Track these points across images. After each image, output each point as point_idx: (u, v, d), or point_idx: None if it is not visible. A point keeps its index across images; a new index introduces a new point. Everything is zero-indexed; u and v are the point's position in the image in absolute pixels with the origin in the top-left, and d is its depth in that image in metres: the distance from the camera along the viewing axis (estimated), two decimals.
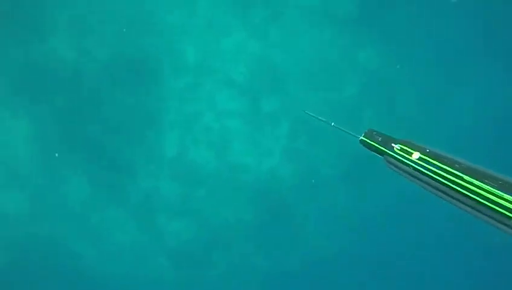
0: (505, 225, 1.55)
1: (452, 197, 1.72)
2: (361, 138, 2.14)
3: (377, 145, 2.05)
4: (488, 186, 1.59)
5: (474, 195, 1.61)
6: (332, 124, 2.45)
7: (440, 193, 1.77)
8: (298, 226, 7.64)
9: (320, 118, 2.67)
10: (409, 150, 1.90)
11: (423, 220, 7.37)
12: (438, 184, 1.75)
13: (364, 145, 2.15)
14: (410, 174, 1.87)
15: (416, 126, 7.54)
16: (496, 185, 1.58)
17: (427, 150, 1.87)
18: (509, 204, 1.52)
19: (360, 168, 7.55)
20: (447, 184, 1.72)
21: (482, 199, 1.59)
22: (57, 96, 7.68)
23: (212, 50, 7.88)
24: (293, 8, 8.04)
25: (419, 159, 1.85)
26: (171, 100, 7.86)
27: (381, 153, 2.04)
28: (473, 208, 1.64)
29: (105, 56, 7.77)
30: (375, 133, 2.12)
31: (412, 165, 1.86)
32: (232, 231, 7.61)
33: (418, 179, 1.84)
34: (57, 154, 7.65)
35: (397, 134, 2.14)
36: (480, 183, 1.61)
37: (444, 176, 1.74)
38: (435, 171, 1.76)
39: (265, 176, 7.78)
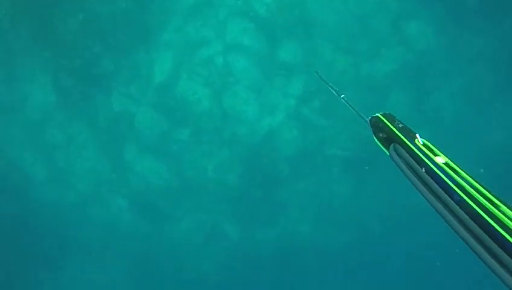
0: None
1: (464, 223, 1.18)
2: (378, 114, 1.65)
3: (393, 128, 1.54)
4: None
5: (505, 231, 1.07)
6: (343, 96, 2.03)
7: (446, 212, 1.24)
8: (279, 206, 6.43)
9: (330, 85, 2.17)
10: (435, 150, 1.42)
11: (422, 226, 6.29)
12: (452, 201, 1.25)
13: (374, 127, 1.64)
14: (420, 177, 1.38)
15: (447, 133, 6.24)
16: None
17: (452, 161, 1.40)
18: None
19: (369, 160, 6.30)
20: (471, 207, 1.18)
21: None
22: None
23: None
24: None
25: (446, 164, 1.35)
26: (175, 16, 6.20)
27: (393, 140, 1.53)
28: (488, 248, 1.10)
29: None
30: (396, 118, 1.62)
31: (430, 167, 1.36)
32: (207, 189, 6.33)
33: (428, 186, 1.33)
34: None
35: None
36: None
37: (472, 195, 1.21)
38: (462, 187, 1.24)
39: (261, 135, 6.41)
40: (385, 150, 1.59)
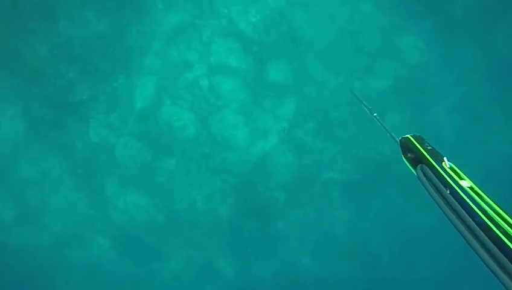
0: None
1: (484, 245, 1.23)
2: (408, 136, 1.75)
3: (423, 150, 1.65)
4: None
5: None
6: (375, 114, 2.10)
7: (467, 232, 1.30)
8: (276, 237, 5.88)
9: (365, 103, 2.23)
10: (461, 174, 1.50)
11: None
12: (475, 225, 1.29)
13: (404, 147, 1.73)
14: (444, 197, 1.45)
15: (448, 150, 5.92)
16: None
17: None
18: None
19: (368, 183, 5.88)
20: (492, 230, 1.22)
21: None
22: None
23: None
24: None
25: (470, 188, 1.42)
26: (157, 38, 5.77)
27: (421, 161, 1.62)
28: (505, 269, 1.15)
29: None
30: (426, 141, 1.72)
31: (455, 189, 1.44)
32: (197, 222, 5.75)
33: (451, 206, 1.41)
34: None
35: None
36: None
37: (493, 219, 1.26)
38: (484, 210, 1.31)
39: (252, 161, 5.92)
40: (412, 170, 1.66)
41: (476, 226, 1.27)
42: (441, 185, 1.46)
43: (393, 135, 1.86)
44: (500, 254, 1.17)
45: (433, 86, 6.01)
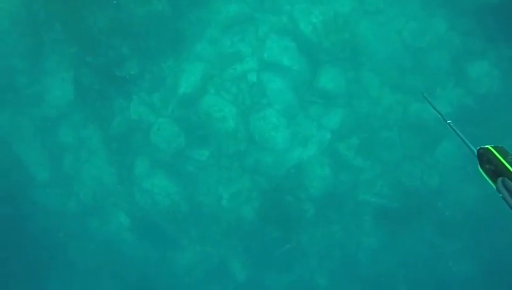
0: None
1: None
2: (489, 146, 1.70)
3: (505, 162, 1.60)
4: None
5: None
6: (449, 122, 1.95)
7: None
8: (296, 251, 5.49)
9: (437, 109, 2.07)
10: None
11: None
12: None
13: (482, 158, 1.68)
14: None
15: None
16: None
17: None
18: None
19: (406, 214, 5.35)
20: None
21: None
22: None
23: None
24: None
25: None
26: (212, 26, 5.63)
27: (502, 174, 1.58)
28: None
29: None
30: (510, 153, 1.66)
31: None
32: (218, 219, 5.52)
33: None
34: None
35: None
36: None
37: None
38: None
39: (287, 168, 5.60)
40: (490, 182, 1.61)
41: None
42: None
43: (470, 144, 1.78)
44: None
45: (500, 122, 5.35)
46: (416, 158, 5.52)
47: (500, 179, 1.55)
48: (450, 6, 5.36)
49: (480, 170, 1.67)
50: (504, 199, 1.51)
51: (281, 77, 5.54)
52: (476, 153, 1.71)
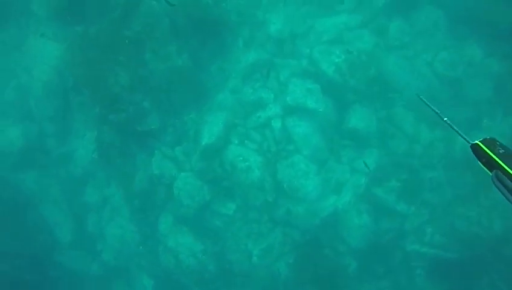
0: None
1: None
2: (477, 141, 1.73)
3: (493, 155, 1.65)
4: None
5: None
6: (446, 119, 1.94)
7: None
8: None
9: (433, 107, 1.98)
10: None
11: None
12: None
13: (475, 153, 1.73)
14: None
15: None
16: None
17: None
18: None
19: (468, 266, 4.58)
20: None
21: None
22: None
23: (303, 26, 5.41)
24: (431, 4, 5.32)
25: None
26: (232, 76, 5.51)
27: (495, 166, 1.62)
28: None
29: None
30: (498, 143, 1.70)
31: None
32: (249, 278, 4.96)
33: None
34: None
35: None
36: None
37: None
38: None
39: (321, 218, 5.07)
40: (490, 174, 1.64)
41: None
42: None
43: (467, 138, 1.77)
44: None
45: None
46: (470, 200, 4.83)
47: (493, 171, 1.60)
48: (483, 32, 4.96)
49: (480, 165, 1.68)
50: (498, 189, 1.55)
51: (306, 121, 5.22)
52: (471, 150, 1.74)
